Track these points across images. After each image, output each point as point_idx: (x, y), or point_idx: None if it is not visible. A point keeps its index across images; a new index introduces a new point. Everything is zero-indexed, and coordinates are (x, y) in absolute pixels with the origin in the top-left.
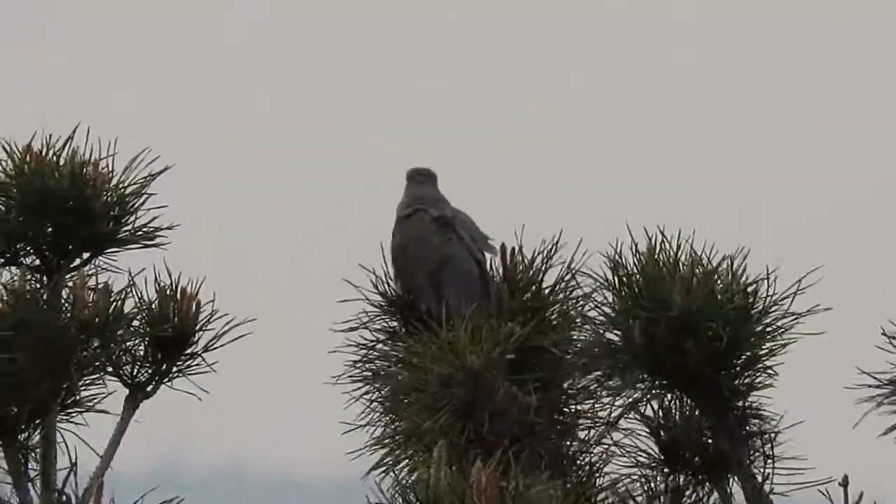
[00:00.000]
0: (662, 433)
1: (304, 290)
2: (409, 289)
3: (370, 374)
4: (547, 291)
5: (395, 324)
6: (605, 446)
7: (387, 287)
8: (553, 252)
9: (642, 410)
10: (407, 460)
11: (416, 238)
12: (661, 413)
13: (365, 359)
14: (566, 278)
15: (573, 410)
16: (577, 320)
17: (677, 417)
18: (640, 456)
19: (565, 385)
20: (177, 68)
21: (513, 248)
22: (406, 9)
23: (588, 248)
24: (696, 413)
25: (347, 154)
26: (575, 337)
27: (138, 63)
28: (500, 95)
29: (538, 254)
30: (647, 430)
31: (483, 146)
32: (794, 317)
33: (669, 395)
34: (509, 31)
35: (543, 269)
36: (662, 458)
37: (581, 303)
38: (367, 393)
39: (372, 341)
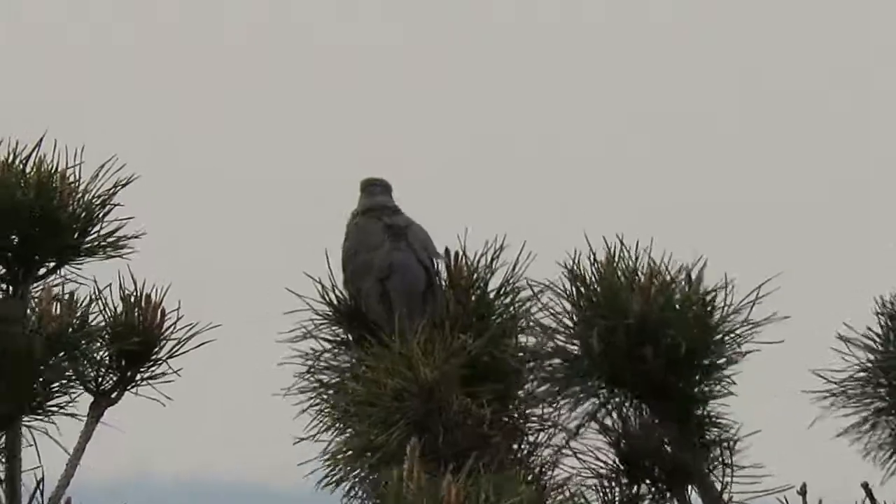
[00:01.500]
0: (622, 443)
1: (259, 296)
2: (356, 295)
3: (318, 384)
4: (492, 295)
5: (342, 332)
6: (558, 450)
7: (333, 296)
8: (497, 255)
9: (601, 420)
10: (359, 473)
11: (367, 244)
12: (620, 423)
13: (313, 369)
14: (511, 281)
15: (527, 416)
16: (533, 328)
17: (637, 427)
18: (600, 466)
19: (520, 394)
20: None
21: (456, 252)
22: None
23: (533, 251)
24: (656, 422)
25: (304, 162)
26: (528, 344)
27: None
28: (455, 98)
29: (481, 257)
30: (607, 440)
31: (440, 151)
32: (752, 325)
33: (628, 404)
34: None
35: (488, 272)
36: (622, 467)
37: (528, 306)
38: (315, 404)
39: (319, 351)
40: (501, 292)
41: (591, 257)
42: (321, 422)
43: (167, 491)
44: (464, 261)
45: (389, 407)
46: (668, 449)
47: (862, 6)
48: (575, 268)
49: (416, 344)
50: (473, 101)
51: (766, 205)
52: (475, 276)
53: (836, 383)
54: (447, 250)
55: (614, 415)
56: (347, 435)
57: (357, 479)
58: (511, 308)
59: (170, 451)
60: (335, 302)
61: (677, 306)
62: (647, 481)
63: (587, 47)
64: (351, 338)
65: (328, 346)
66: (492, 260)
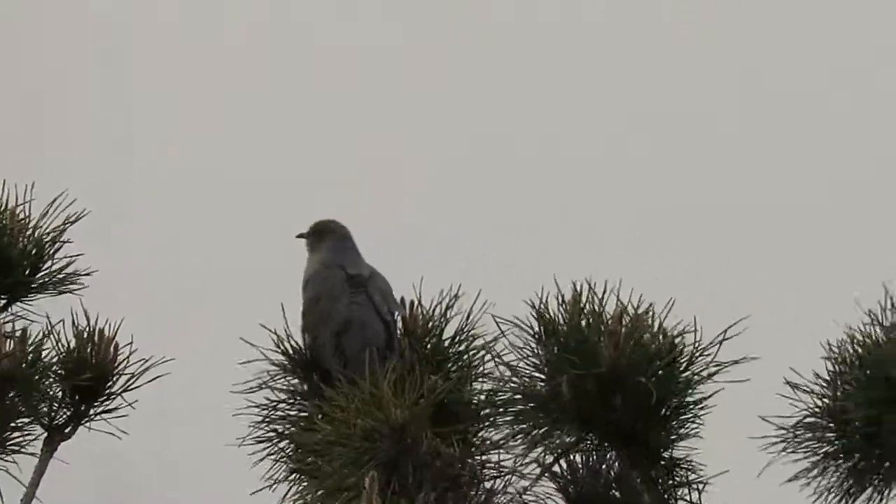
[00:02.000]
0: (571, 489)
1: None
2: (312, 344)
3: (275, 433)
4: (447, 343)
5: (297, 382)
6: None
7: (288, 346)
8: (452, 303)
9: (551, 467)
10: None
11: (328, 295)
12: (569, 469)
13: (268, 419)
14: (465, 329)
15: (487, 461)
16: (498, 366)
17: (585, 473)
18: None
19: (481, 437)
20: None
21: (412, 301)
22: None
23: (489, 299)
24: (605, 468)
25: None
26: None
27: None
28: (455, 98)
29: (436, 305)
30: (555, 486)
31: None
32: (719, 366)
33: (597, 448)
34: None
35: (443, 320)
36: None
37: (482, 354)
38: (271, 453)
39: (274, 401)
40: (456, 340)
41: (559, 298)
42: (278, 471)
43: None
44: (419, 309)
45: (359, 447)
46: (617, 494)
47: (861, 6)
48: (542, 308)
49: (386, 384)
50: (473, 100)
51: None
52: (430, 324)
53: (784, 429)
54: (402, 300)
55: (562, 461)
56: (315, 477)
57: None
58: (466, 356)
59: (130, 487)
60: (290, 352)
61: (647, 352)
62: None
63: (587, 47)
64: (306, 387)
65: (284, 395)
66: (447, 308)
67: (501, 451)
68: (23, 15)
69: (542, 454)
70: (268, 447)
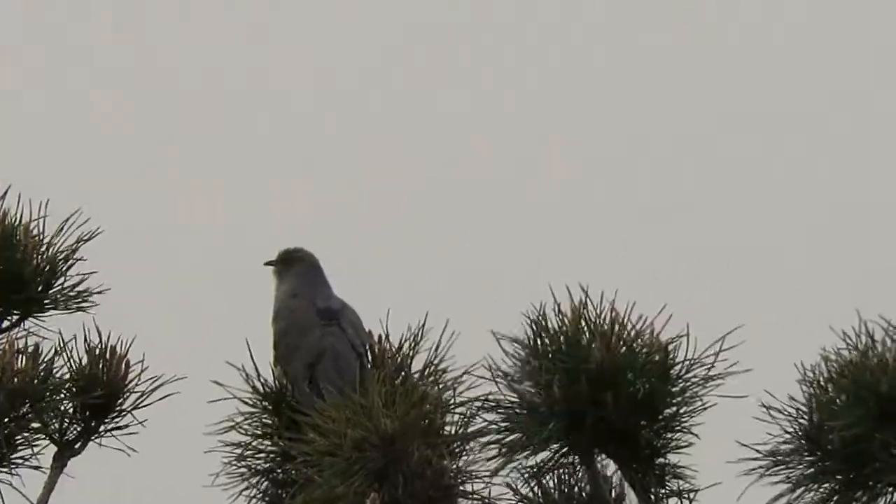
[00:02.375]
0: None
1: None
2: (284, 376)
3: (248, 471)
4: (416, 377)
5: (268, 420)
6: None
7: (259, 383)
8: (420, 336)
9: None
10: None
11: (299, 326)
12: (540, 491)
13: (241, 457)
14: (434, 362)
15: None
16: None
17: (557, 495)
18: None
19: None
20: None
21: (380, 335)
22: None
23: (456, 330)
24: (576, 490)
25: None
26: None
27: None
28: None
29: (405, 340)
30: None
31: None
32: (713, 377)
33: (574, 459)
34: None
35: (411, 354)
36: None
37: (452, 386)
38: (245, 490)
39: (245, 442)
40: (425, 374)
41: (556, 308)
42: None
43: None
44: (387, 343)
45: (349, 457)
46: None
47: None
48: (539, 319)
49: (377, 395)
50: (471, 103)
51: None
52: (399, 358)
53: (761, 453)
54: (370, 332)
55: (532, 482)
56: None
57: None
58: (435, 389)
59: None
60: (260, 389)
61: (638, 353)
62: None
63: (582, 45)
64: (277, 422)
65: (256, 433)
66: (415, 343)
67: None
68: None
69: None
70: (241, 485)
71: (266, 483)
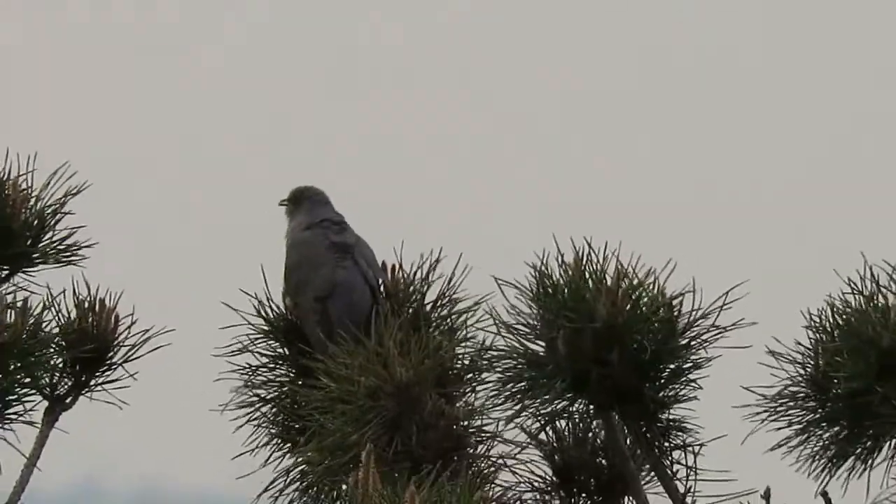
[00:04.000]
0: (557, 457)
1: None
2: (293, 309)
3: (257, 398)
4: (429, 308)
5: (277, 347)
6: (500, 463)
7: (269, 311)
8: (433, 267)
9: (538, 434)
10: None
11: (311, 260)
12: (555, 436)
13: (250, 383)
14: (447, 293)
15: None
16: (477, 333)
17: (571, 441)
18: (535, 480)
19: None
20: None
21: (393, 265)
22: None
23: (469, 263)
24: (591, 436)
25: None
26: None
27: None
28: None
29: (417, 269)
30: (542, 454)
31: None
32: (718, 330)
33: (584, 410)
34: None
35: (425, 284)
36: (557, 481)
37: (464, 318)
38: (254, 417)
39: (255, 366)
40: (438, 304)
41: (560, 259)
42: (260, 436)
43: (122, 498)
44: (400, 273)
45: (363, 405)
46: (603, 461)
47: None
48: (543, 269)
49: (391, 342)
50: (466, 89)
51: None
52: (411, 288)
53: (766, 398)
54: (384, 264)
55: (548, 428)
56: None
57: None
58: (448, 320)
59: (126, 457)
60: (271, 316)
61: (644, 309)
62: (583, 495)
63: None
64: (286, 351)
65: (265, 360)
66: (428, 272)
67: (486, 415)
68: None
69: (530, 420)
70: (249, 412)
71: (274, 410)
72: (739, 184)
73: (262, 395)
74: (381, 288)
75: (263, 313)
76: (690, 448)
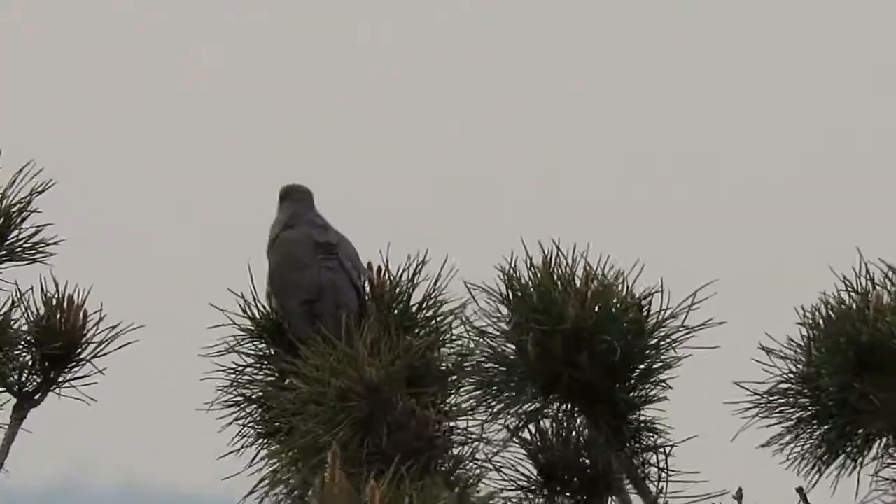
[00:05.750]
0: (540, 455)
1: (184, 309)
2: (279, 311)
3: (242, 398)
4: (414, 309)
5: (263, 347)
6: (482, 464)
7: (255, 311)
8: (420, 268)
9: (521, 433)
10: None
11: (296, 261)
12: (538, 435)
13: (235, 383)
14: (433, 294)
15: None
16: (460, 334)
17: (555, 439)
18: (520, 480)
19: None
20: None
21: (379, 267)
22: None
23: (455, 265)
24: (574, 434)
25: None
26: (463, 351)
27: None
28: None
29: (404, 271)
30: (525, 453)
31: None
32: (687, 330)
33: (560, 411)
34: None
35: (410, 286)
36: (541, 479)
37: (449, 319)
38: (239, 417)
39: (241, 366)
40: (424, 306)
41: (528, 261)
42: (246, 435)
43: (101, 498)
44: (386, 275)
45: (334, 406)
46: (587, 460)
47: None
48: (511, 271)
49: (361, 343)
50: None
51: (695, 208)
52: (397, 290)
53: (758, 395)
54: (370, 265)
55: (531, 427)
56: (287, 437)
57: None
58: (433, 321)
59: (103, 457)
60: (257, 316)
61: (613, 311)
62: (567, 493)
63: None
64: (273, 352)
65: (250, 360)
66: (414, 274)
67: (469, 417)
68: None
69: (510, 420)
70: (235, 412)
71: (259, 411)
72: (738, 184)
73: (247, 395)
74: (366, 287)
75: (249, 313)
76: (661, 449)
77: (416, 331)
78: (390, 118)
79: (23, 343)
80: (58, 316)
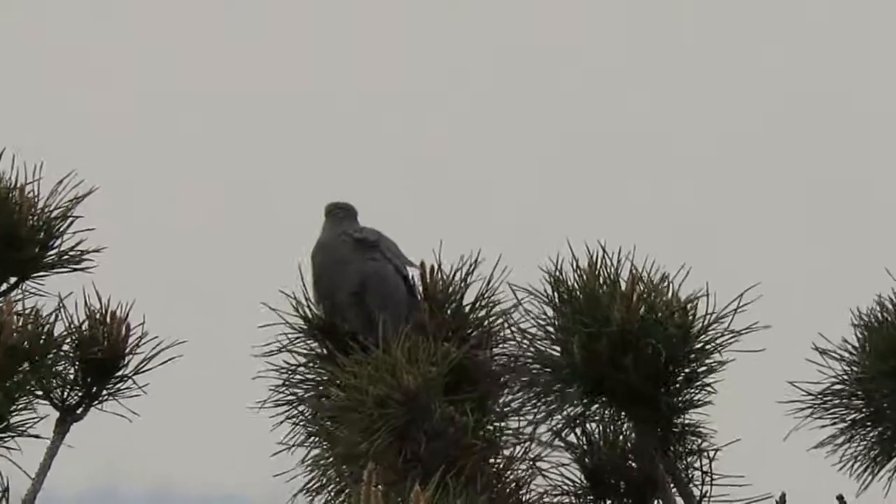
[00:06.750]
0: (587, 460)
1: (233, 311)
2: (332, 311)
3: (294, 397)
4: (467, 309)
5: (316, 346)
6: (531, 467)
7: (307, 310)
8: (472, 269)
9: (568, 436)
10: (337, 482)
11: (338, 259)
12: (584, 439)
13: (288, 382)
14: (486, 294)
15: (502, 429)
16: (511, 336)
17: (601, 443)
18: (566, 484)
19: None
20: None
21: (432, 266)
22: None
23: (509, 265)
24: (620, 438)
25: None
26: (509, 353)
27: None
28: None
29: (457, 270)
30: (572, 457)
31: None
32: (732, 334)
33: (605, 414)
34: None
35: (463, 286)
36: (588, 484)
37: (502, 319)
38: (292, 416)
39: (294, 365)
40: (477, 306)
41: (574, 263)
42: (297, 434)
43: (135, 501)
44: (439, 274)
45: (372, 414)
46: (633, 464)
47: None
48: (557, 274)
49: (399, 351)
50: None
51: (745, 211)
52: (450, 289)
53: (812, 395)
54: (422, 263)
55: (578, 431)
56: (328, 443)
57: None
58: (486, 321)
59: (138, 464)
60: (309, 316)
61: (658, 314)
62: (613, 498)
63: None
64: (325, 351)
65: (303, 359)
66: (467, 274)
67: (519, 417)
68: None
69: (556, 423)
70: (287, 410)
71: (310, 410)
72: (791, 184)
73: (299, 395)
74: (413, 278)
75: (301, 312)
76: (705, 453)
77: (469, 331)
78: (420, 120)
79: (65, 354)
80: (100, 329)
